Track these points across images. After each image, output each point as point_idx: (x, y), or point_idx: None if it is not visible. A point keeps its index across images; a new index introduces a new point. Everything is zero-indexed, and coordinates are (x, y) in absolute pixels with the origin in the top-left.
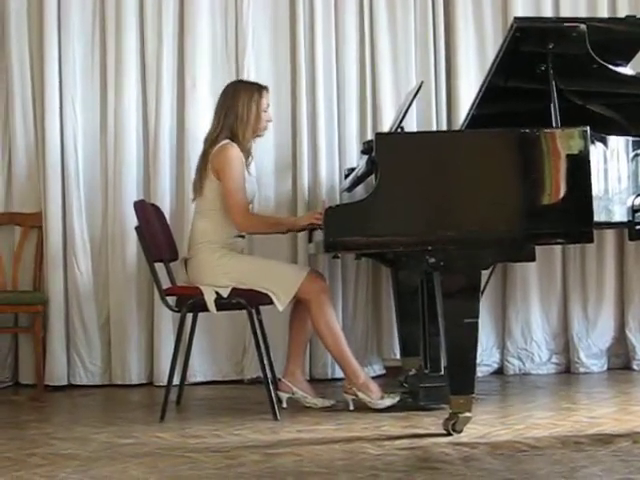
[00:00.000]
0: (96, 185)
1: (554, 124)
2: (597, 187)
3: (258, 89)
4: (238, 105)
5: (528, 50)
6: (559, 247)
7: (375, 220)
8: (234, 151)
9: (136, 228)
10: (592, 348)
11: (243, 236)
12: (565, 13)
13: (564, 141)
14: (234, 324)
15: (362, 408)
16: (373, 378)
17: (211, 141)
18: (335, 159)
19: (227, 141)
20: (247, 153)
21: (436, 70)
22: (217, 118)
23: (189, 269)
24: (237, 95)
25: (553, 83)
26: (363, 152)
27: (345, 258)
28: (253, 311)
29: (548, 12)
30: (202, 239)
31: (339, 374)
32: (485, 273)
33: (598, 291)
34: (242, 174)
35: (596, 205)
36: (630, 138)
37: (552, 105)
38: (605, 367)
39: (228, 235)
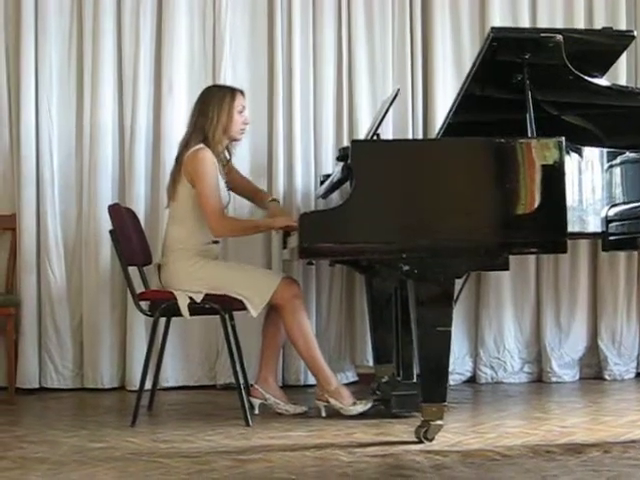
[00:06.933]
0: (71, 188)
1: (529, 134)
2: (571, 197)
3: (231, 91)
4: (209, 107)
5: (504, 60)
6: (533, 257)
7: (350, 227)
8: (207, 155)
9: (110, 232)
10: (564, 358)
11: (217, 242)
12: (542, 24)
13: (539, 151)
14: (207, 329)
15: (334, 415)
16: (346, 385)
17: (184, 145)
18: (311, 165)
19: (200, 145)
20: (220, 155)
21: (413, 78)
22: (190, 122)
23: (162, 275)
24: (209, 97)
25: (529, 93)
26: (339, 159)
27: (319, 265)
28: (226, 316)
29: (525, 22)
30: (176, 246)
31: (312, 381)
32: (459, 282)
33: (571, 301)
34: (216, 178)
35: (570, 215)
36: (605, 149)
37: (527, 115)
38: (577, 377)
39: (202, 241)
